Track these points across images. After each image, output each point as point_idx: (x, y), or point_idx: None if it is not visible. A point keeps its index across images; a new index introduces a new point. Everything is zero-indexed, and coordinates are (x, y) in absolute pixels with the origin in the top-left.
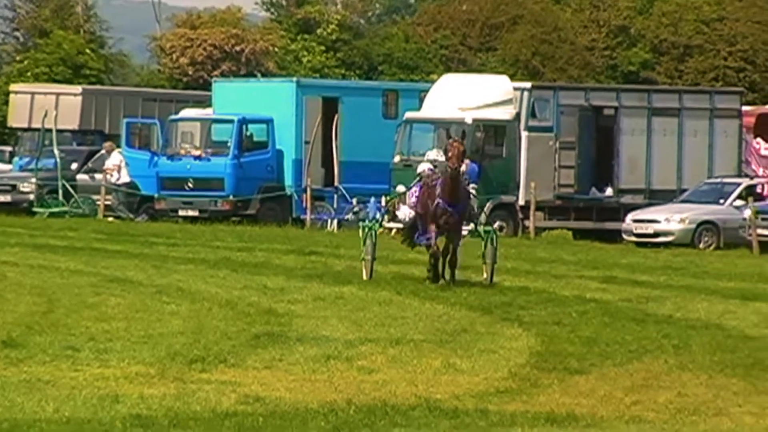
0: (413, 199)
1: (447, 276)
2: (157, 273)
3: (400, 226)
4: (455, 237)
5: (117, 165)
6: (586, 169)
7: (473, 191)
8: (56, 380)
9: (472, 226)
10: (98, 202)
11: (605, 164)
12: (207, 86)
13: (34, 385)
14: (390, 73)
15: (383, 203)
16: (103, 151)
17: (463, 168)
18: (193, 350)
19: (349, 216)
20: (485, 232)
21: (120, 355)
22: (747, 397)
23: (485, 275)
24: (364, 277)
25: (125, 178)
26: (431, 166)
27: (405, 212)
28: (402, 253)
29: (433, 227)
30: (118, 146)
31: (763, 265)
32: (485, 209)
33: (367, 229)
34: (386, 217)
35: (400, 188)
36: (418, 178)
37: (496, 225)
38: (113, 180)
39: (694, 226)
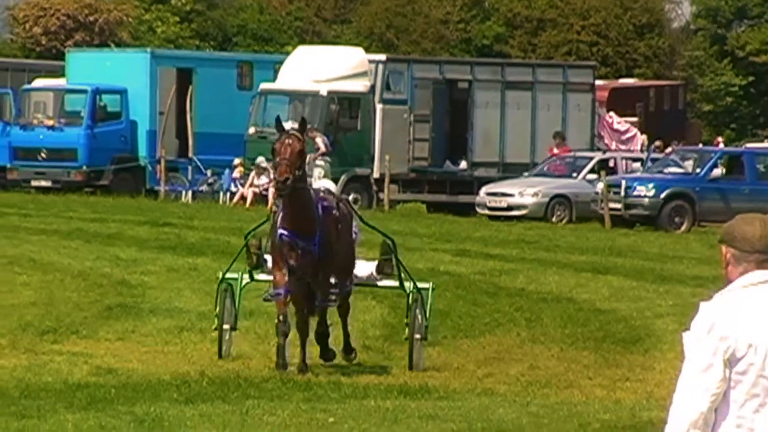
0: None
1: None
2: (9, 243)
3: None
4: (317, 287)
5: None
6: (440, 142)
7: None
8: None
9: (389, 280)
10: None
11: (459, 137)
12: (60, 56)
13: None
14: (244, 44)
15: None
16: None
17: (320, 145)
18: (45, 321)
19: (204, 187)
20: (412, 289)
21: None
22: (597, 369)
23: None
24: (218, 355)
25: None
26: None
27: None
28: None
29: (281, 275)
30: None
31: (614, 238)
32: (340, 182)
33: (224, 286)
34: (247, 266)
35: (260, 160)
36: None
37: (350, 197)
38: None
39: (547, 199)
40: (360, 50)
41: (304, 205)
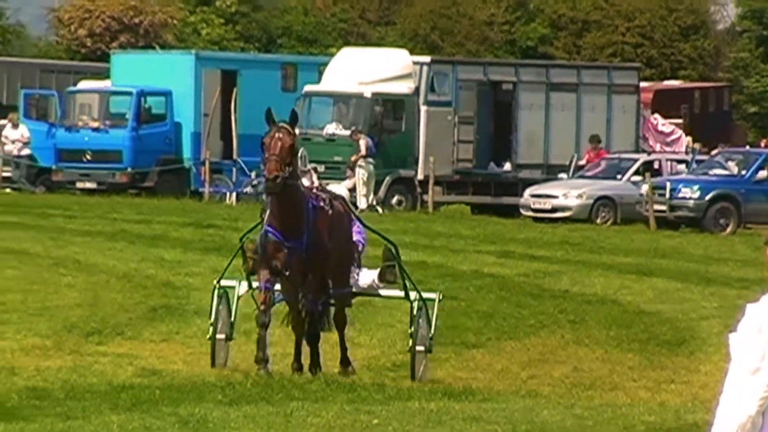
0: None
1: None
2: (54, 245)
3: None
4: (306, 289)
5: (27, 138)
6: (485, 144)
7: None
8: None
9: (392, 290)
10: None
11: (503, 139)
12: (105, 58)
13: None
14: (289, 46)
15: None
16: (2, 122)
17: (362, 147)
18: (89, 323)
19: (248, 189)
20: (416, 298)
21: (16, 327)
22: (642, 371)
23: (418, 370)
24: (211, 365)
25: (27, 150)
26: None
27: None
28: None
29: (265, 272)
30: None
31: (659, 240)
32: (384, 183)
33: (221, 292)
34: (243, 271)
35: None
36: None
37: (394, 199)
38: (17, 153)
39: (591, 201)
40: (404, 52)
41: (294, 204)
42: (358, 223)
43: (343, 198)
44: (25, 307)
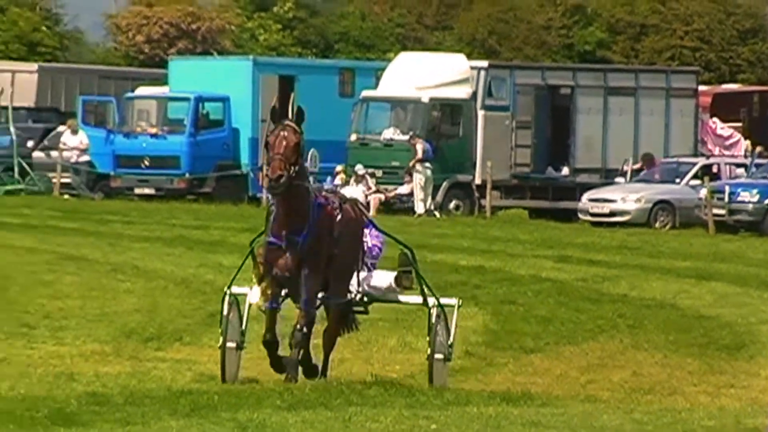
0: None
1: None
2: (112, 251)
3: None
4: (305, 281)
5: (86, 144)
6: (542, 149)
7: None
8: (11, 358)
9: (410, 296)
10: (54, 180)
11: (561, 143)
12: (163, 64)
13: None
14: (346, 51)
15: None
16: (61, 128)
17: (419, 151)
18: (148, 328)
19: None
20: (435, 304)
21: (75, 333)
22: (701, 376)
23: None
24: (221, 375)
25: (85, 156)
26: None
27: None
28: None
29: (269, 286)
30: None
31: (718, 244)
32: (442, 188)
33: (231, 299)
34: (253, 276)
35: (358, 167)
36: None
37: (452, 204)
38: (76, 160)
39: (650, 205)
40: (462, 56)
41: (300, 204)
42: (374, 228)
43: (355, 200)
44: (84, 313)
